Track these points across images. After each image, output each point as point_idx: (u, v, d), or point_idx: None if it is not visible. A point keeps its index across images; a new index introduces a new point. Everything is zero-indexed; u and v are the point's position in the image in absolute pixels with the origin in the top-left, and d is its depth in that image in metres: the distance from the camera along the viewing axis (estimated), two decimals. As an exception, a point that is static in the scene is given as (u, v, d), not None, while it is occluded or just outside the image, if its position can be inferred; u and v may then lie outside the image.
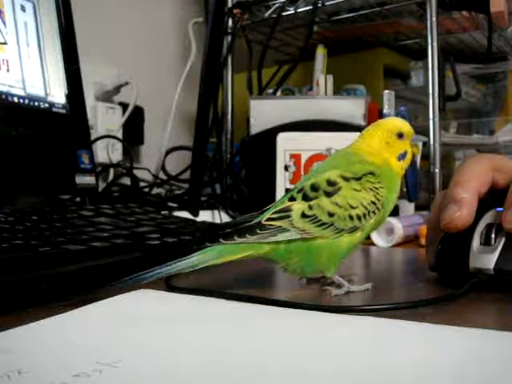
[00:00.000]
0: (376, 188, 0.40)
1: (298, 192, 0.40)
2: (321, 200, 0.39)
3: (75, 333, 0.29)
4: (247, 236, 0.38)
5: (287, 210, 0.39)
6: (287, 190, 0.81)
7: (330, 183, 0.39)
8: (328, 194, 0.39)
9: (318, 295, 0.40)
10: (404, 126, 0.43)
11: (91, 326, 0.30)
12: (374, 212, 0.40)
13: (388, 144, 0.42)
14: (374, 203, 0.39)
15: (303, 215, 0.38)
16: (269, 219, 0.39)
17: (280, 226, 0.38)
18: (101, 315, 0.32)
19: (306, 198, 0.39)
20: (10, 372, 0.22)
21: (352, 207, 0.39)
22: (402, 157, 0.42)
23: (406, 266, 0.60)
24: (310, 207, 0.39)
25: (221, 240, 0.38)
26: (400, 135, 0.42)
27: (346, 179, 0.39)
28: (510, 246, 0.39)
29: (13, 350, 0.26)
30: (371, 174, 0.40)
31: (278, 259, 0.40)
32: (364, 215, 0.39)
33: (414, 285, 0.45)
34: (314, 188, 0.39)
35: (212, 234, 0.39)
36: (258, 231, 0.38)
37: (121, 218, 0.55)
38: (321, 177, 0.40)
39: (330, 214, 0.38)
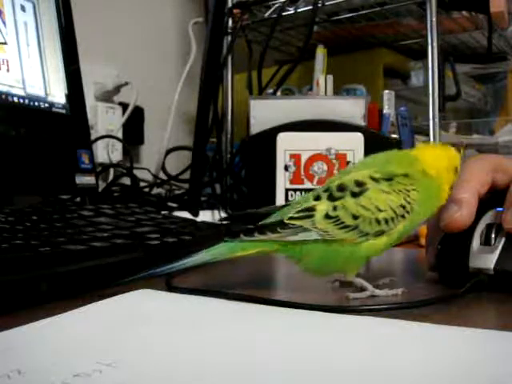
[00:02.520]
0: (407, 190, 0.38)
1: (325, 191, 0.38)
2: (346, 201, 0.37)
3: (75, 333, 0.29)
4: (268, 234, 0.37)
5: (311, 209, 0.38)
6: (287, 190, 0.81)
7: (358, 183, 0.37)
8: (354, 195, 0.37)
9: (318, 295, 0.40)
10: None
11: (91, 326, 0.30)
12: (403, 216, 0.37)
13: (447, 171, 0.40)
14: (403, 206, 0.37)
15: (327, 216, 0.37)
16: (291, 218, 0.37)
17: (301, 226, 0.37)
18: (101, 315, 0.32)
19: (331, 197, 0.38)
20: (10, 372, 0.22)
21: (379, 210, 0.37)
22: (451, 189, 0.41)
23: (406, 265, 0.60)
24: (335, 208, 0.37)
25: (242, 236, 0.37)
26: (456, 170, 0.41)
27: (376, 180, 0.38)
28: (510, 246, 0.39)
29: (13, 350, 0.26)
30: (405, 175, 0.38)
31: (292, 256, 0.39)
32: (392, 219, 0.37)
33: (414, 285, 0.45)
34: (341, 188, 0.38)
35: (233, 230, 0.38)
36: (279, 230, 0.37)
37: (121, 218, 0.55)
38: (350, 176, 0.38)
39: (355, 217, 0.37)
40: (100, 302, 0.34)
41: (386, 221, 0.37)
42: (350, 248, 0.37)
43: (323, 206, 0.37)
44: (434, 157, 0.40)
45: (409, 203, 0.37)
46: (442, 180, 0.40)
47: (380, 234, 0.37)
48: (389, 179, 0.38)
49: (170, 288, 0.38)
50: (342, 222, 0.37)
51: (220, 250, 0.38)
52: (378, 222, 0.37)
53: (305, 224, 0.37)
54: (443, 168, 0.40)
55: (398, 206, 0.37)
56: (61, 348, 0.26)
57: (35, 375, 0.22)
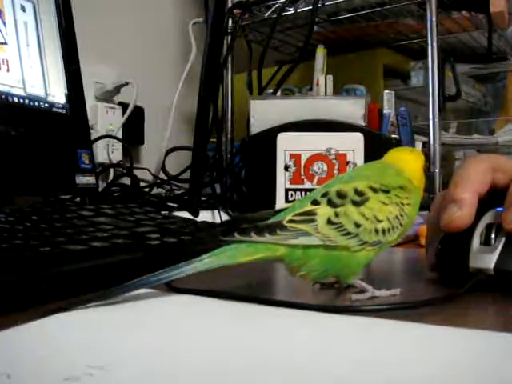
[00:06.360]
0: (402, 204, 0.39)
1: (323, 196, 0.38)
2: (347, 208, 0.37)
3: (67, 335, 0.29)
4: (266, 235, 0.36)
5: (311, 213, 0.37)
6: (287, 190, 0.81)
7: (358, 192, 0.37)
8: (355, 204, 0.37)
9: (317, 296, 0.40)
10: None
11: (86, 328, 0.30)
12: (397, 227, 0.38)
13: (423, 178, 0.43)
14: (398, 218, 0.38)
15: (329, 222, 0.36)
16: (291, 221, 0.37)
17: (302, 230, 0.36)
18: (97, 317, 0.32)
19: (331, 203, 0.37)
20: (-1, 376, 0.22)
21: (378, 220, 0.37)
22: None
23: (406, 265, 0.60)
24: (337, 214, 0.37)
25: (236, 235, 0.36)
26: (424, 172, 0.43)
27: (375, 190, 0.38)
28: (510, 246, 0.39)
29: (1, 353, 0.25)
30: (402, 188, 0.39)
31: (292, 263, 0.37)
32: (389, 230, 0.38)
33: (414, 285, 0.45)
34: (341, 195, 0.37)
35: (227, 229, 0.37)
36: (278, 232, 0.36)
37: (121, 218, 0.55)
38: (349, 184, 0.38)
39: (357, 225, 0.37)
40: (96, 302, 0.34)
41: (384, 231, 0.38)
42: (349, 254, 0.37)
43: (324, 211, 0.37)
44: (413, 165, 0.42)
45: (402, 216, 0.39)
46: (421, 188, 0.42)
47: (377, 244, 0.38)
48: (386, 191, 0.38)
49: (170, 288, 0.38)
50: (345, 229, 0.37)
51: (219, 258, 0.36)
52: (376, 231, 0.37)
53: (307, 228, 0.36)
54: (421, 176, 0.42)
55: (394, 218, 0.38)
56: (53, 351, 0.26)
57: (24, 379, 0.22)
